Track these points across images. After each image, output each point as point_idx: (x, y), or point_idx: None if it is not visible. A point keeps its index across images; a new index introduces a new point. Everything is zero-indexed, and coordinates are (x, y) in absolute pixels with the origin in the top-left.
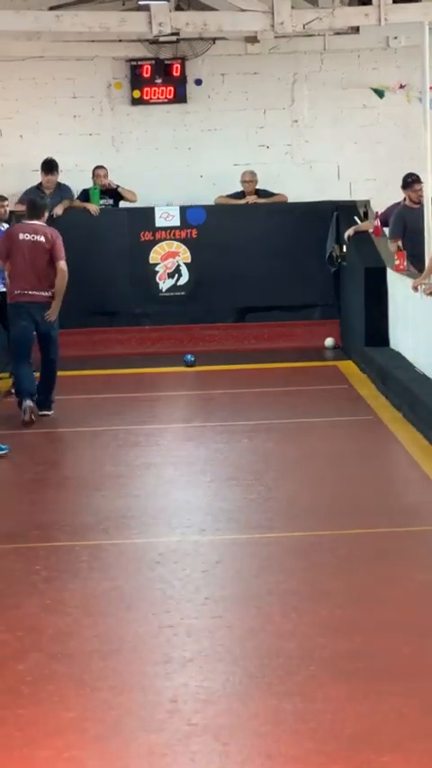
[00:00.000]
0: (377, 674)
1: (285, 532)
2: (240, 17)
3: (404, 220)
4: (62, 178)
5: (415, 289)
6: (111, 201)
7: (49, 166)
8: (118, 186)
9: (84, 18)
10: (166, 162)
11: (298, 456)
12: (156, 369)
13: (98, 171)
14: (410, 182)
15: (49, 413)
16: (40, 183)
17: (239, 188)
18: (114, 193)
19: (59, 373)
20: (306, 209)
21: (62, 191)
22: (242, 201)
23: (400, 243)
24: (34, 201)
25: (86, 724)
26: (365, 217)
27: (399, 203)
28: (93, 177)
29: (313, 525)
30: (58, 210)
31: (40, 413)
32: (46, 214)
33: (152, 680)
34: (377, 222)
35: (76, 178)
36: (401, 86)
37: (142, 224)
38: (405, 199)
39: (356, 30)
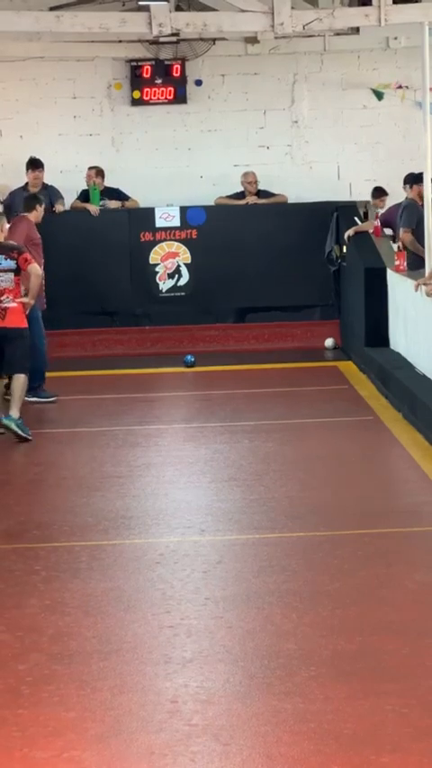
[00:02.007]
0: (377, 674)
1: (286, 533)
2: (240, 18)
3: (419, 214)
4: (62, 178)
5: (416, 287)
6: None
7: (34, 163)
8: (123, 204)
9: (84, 18)
10: (166, 162)
11: (298, 456)
12: (156, 369)
13: (89, 172)
14: (412, 182)
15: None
16: (27, 183)
17: (239, 188)
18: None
19: (59, 373)
20: (306, 209)
21: (49, 191)
22: (242, 202)
23: (400, 243)
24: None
25: (86, 724)
26: (365, 217)
27: (400, 204)
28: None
29: (313, 525)
30: (60, 208)
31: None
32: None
33: (152, 680)
34: (377, 222)
35: (75, 178)
36: (399, 86)
37: (142, 224)
38: (407, 197)
39: (356, 30)
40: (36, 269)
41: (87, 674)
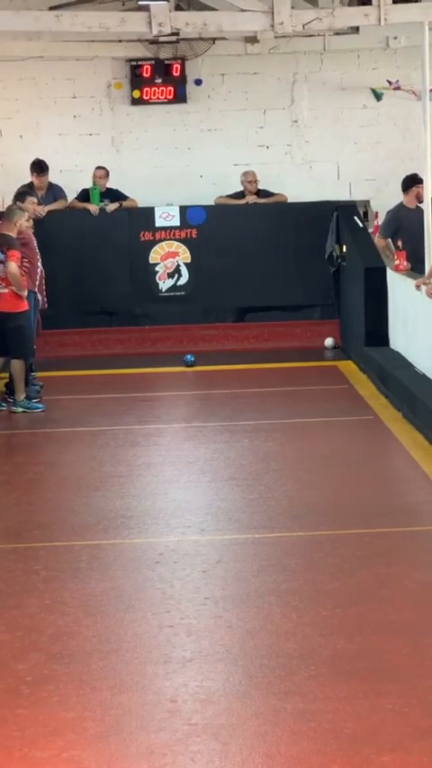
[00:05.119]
0: (377, 674)
1: (285, 532)
2: (240, 17)
3: (399, 221)
4: (62, 178)
5: (417, 287)
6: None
7: (40, 167)
8: (121, 204)
9: (84, 18)
10: (165, 162)
11: (298, 456)
12: (156, 369)
13: (96, 172)
14: (409, 184)
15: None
16: (32, 183)
17: (239, 188)
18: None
19: (59, 373)
20: (306, 209)
21: (54, 191)
22: (242, 202)
23: (391, 242)
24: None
25: (86, 724)
26: (365, 216)
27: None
28: (93, 177)
29: (313, 525)
30: (52, 207)
31: None
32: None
33: (152, 680)
34: (377, 222)
35: (75, 178)
36: (394, 86)
37: (142, 224)
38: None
39: (356, 30)
40: (11, 266)
41: (87, 673)
